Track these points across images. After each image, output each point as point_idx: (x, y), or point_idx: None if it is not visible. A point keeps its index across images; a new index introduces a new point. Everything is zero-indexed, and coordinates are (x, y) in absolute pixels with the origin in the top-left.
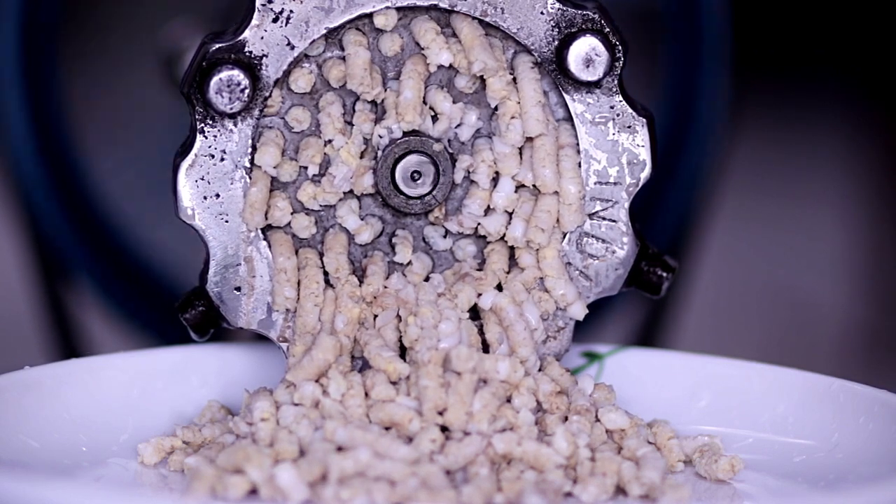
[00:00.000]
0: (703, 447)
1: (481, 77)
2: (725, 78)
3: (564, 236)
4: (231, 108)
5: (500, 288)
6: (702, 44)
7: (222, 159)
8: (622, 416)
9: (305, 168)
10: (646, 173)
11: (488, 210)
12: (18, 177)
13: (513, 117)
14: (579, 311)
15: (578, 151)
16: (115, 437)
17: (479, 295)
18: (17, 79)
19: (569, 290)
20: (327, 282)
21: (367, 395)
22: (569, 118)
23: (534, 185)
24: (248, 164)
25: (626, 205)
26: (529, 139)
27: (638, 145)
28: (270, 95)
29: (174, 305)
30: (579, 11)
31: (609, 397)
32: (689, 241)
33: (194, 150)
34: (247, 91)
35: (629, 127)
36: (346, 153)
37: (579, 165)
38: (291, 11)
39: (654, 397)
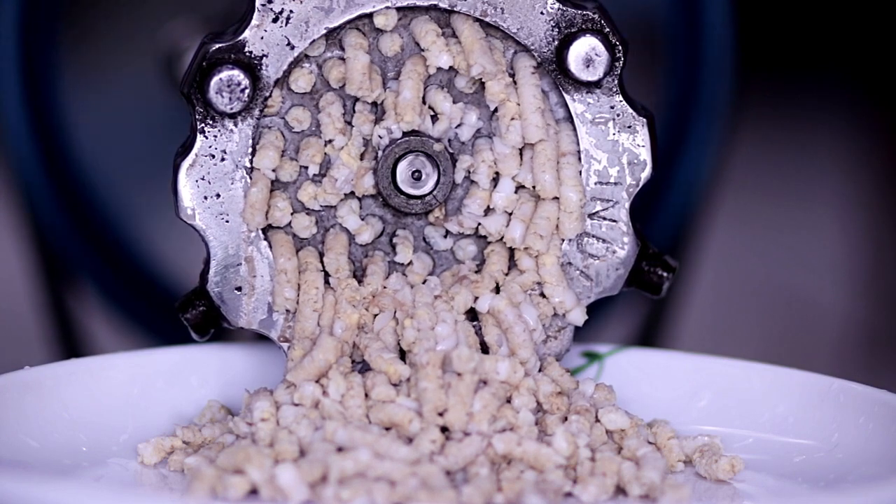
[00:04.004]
0: (703, 447)
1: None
2: (726, 78)
3: (563, 241)
4: (231, 108)
5: (498, 289)
6: (702, 44)
7: (223, 159)
8: (622, 416)
9: (306, 168)
10: (646, 173)
11: (488, 210)
12: (20, 177)
13: (513, 118)
14: (578, 318)
15: (580, 159)
16: (115, 437)
17: (476, 298)
18: (17, 80)
19: (567, 298)
20: (327, 282)
21: (367, 395)
22: (569, 118)
23: (533, 187)
24: (248, 164)
25: (627, 205)
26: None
27: (638, 145)
28: (270, 95)
29: (174, 305)
30: (579, 11)
31: (609, 397)
32: (689, 241)
33: (195, 150)
34: (247, 91)
35: (629, 127)
36: (347, 155)
37: (580, 173)
38: (291, 11)
39: (654, 397)
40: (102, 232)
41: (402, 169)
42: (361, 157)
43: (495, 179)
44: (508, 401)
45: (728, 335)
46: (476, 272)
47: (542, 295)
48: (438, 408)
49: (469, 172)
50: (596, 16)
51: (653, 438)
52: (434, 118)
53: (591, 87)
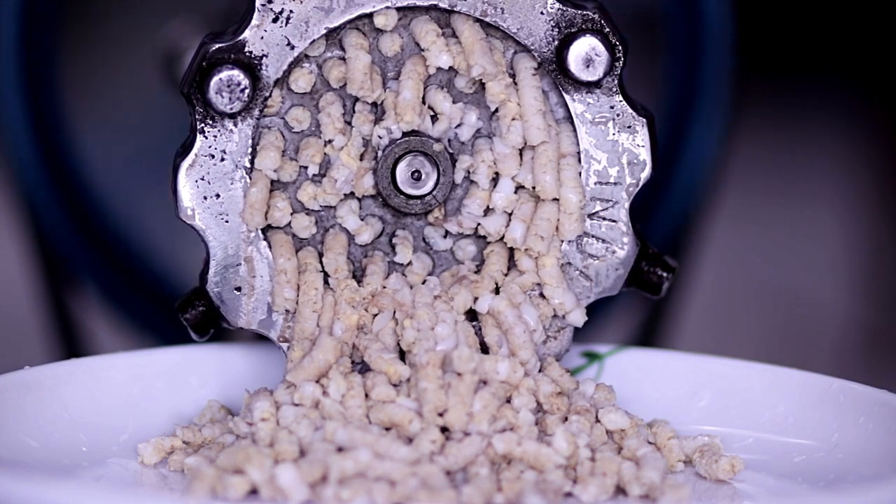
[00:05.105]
0: (703, 447)
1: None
2: (726, 78)
3: (562, 242)
4: (231, 108)
5: (497, 290)
6: (702, 43)
7: (222, 159)
8: (622, 416)
9: (305, 168)
10: (646, 173)
11: (488, 210)
12: (20, 178)
13: (514, 119)
14: (578, 319)
15: (580, 160)
16: (115, 437)
17: (476, 298)
18: (18, 80)
19: (567, 299)
20: (327, 283)
21: (367, 395)
22: (569, 118)
23: (533, 188)
24: (248, 165)
25: (627, 205)
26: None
27: (638, 145)
28: (270, 95)
29: (174, 305)
30: (579, 11)
31: (609, 397)
32: (689, 241)
33: (194, 150)
34: (247, 91)
35: (629, 127)
36: (346, 155)
37: (580, 174)
38: (291, 11)
39: (654, 397)
40: (102, 232)
41: (402, 169)
42: (361, 158)
43: (495, 180)
44: (508, 401)
45: (728, 335)
46: (476, 272)
47: (542, 296)
48: (438, 408)
49: (469, 172)
50: (596, 16)
51: (653, 438)
52: (434, 118)
53: (591, 87)
